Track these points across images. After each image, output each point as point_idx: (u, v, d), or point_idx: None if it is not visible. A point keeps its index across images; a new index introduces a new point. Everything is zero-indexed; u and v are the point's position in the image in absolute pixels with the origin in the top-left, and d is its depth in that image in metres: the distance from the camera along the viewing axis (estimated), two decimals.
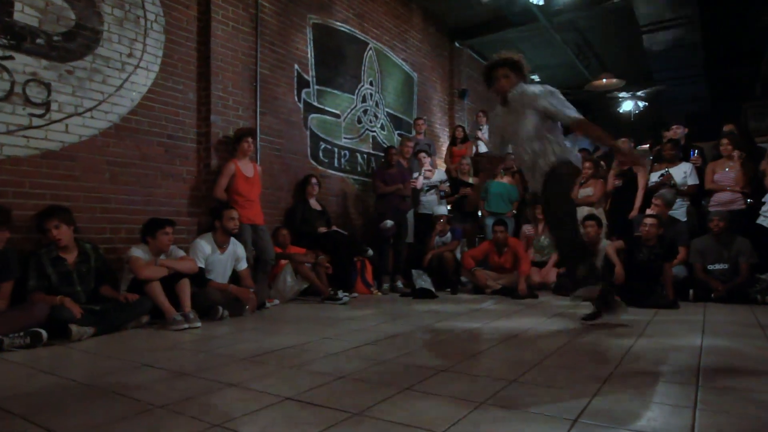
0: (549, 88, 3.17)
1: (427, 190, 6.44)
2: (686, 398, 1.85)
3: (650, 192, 5.43)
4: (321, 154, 6.13)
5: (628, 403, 1.81)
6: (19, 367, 2.50)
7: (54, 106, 3.82)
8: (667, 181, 5.43)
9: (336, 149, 6.35)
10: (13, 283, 3.21)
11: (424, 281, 5.40)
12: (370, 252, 5.57)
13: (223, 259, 4.26)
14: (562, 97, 3.16)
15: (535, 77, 10.83)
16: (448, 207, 6.63)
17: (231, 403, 1.86)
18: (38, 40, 3.74)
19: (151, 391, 2.01)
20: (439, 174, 6.59)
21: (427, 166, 6.48)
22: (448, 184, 6.58)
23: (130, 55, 4.29)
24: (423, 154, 6.56)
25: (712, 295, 4.62)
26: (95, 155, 4.06)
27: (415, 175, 6.46)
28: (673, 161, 5.63)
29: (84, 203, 3.94)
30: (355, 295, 5.32)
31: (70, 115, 3.92)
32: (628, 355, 2.56)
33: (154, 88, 4.45)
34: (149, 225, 3.87)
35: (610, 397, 1.86)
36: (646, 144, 7.85)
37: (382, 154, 6.40)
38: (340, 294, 4.86)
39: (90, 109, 4.04)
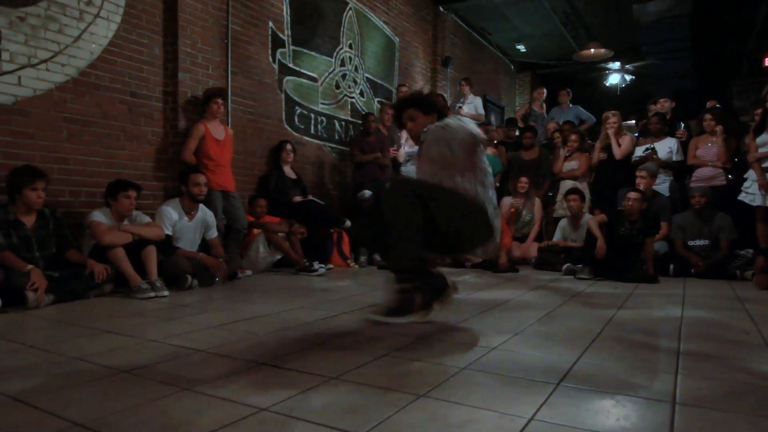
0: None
1: (407, 161, 6.20)
2: (668, 365, 1.86)
3: (633, 166, 5.34)
4: (297, 120, 5.87)
5: (610, 368, 1.81)
6: None
7: (5, 56, 3.52)
8: (650, 157, 5.33)
9: (312, 115, 6.10)
10: None
11: None
12: (348, 223, 5.39)
13: (191, 226, 4.06)
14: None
15: (521, 47, 10.62)
16: None
17: (201, 368, 1.78)
18: None
19: (114, 357, 1.91)
20: None
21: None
22: None
23: (89, 3, 3.96)
24: None
25: (692, 270, 4.61)
26: (51, 111, 3.78)
27: (402, 143, 6.25)
28: (659, 135, 5.53)
29: (40, 163, 3.65)
30: (331, 266, 5.17)
31: (23, 66, 3.62)
32: (610, 324, 2.54)
33: (115, 40, 4.13)
34: (112, 186, 3.65)
35: (592, 363, 1.85)
36: (632, 119, 7.74)
37: (361, 122, 6.17)
38: (316, 265, 4.71)
39: (45, 61, 3.74)
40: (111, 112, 4.13)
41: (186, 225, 4.02)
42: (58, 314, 2.81)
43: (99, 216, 3.52)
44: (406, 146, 6.21)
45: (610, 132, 5.60)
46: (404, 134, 6.26)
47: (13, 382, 1.61)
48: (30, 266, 3.04)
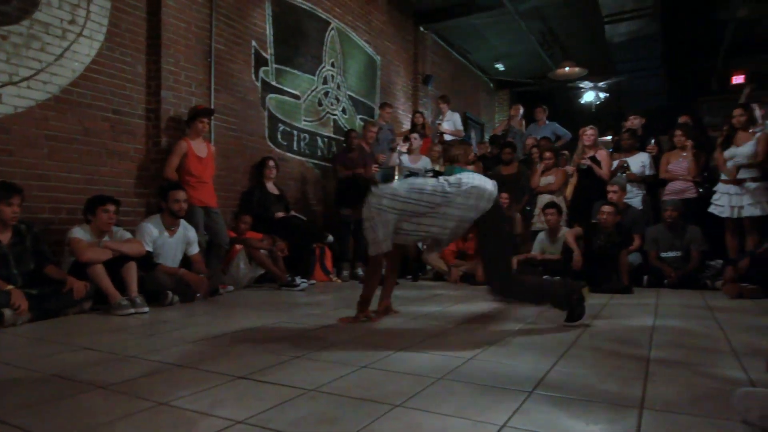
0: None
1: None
2: (638, 371, 1.93)
3: (605, 180, 5.49)
4: (279, 137, 5.92)
5: (582, 376, 1.87)
6: None
7: None
8: (620, 166, 5.52)
9: (295, 132, 6.16)
10: None
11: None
12: (330, 238, 5.43)
13: (172, 242, 4.06)
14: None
15: (500, 66, 10.87)
16: None
17: (179, 383, 1.80)
18: None
19: (91, 373, 1.93)
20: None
21: (413, 149, 6.32)
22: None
23: (72, 22, 3.99)
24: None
25: (665, 281, 4.73)
26: (32, 128, 3.77)
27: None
28: (630, 151, 5.71)
29: (20, 180, 3.61)
30: (314, 282, 5.19)
31: (4, 84, 3.63)
32: (584, 334, 2.62)
33: (98, 58, 4.16)
34: (90, 201, 3.64)
35: (565, 372, 1.92)
36: (608, 135, 7.95)
37: (343, 138, 6.25)
38: (298, 280, 4.73)
39: (26, 78, 3.74)
40: (93, 129, 4.14)
41: (167, 241, 4.02)
42: (36, 331, 2.79)
43: (79, 232, 3.51)
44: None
45: (587, 145, 5.74)
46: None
47: None
48: (10, 286, 3.02)
